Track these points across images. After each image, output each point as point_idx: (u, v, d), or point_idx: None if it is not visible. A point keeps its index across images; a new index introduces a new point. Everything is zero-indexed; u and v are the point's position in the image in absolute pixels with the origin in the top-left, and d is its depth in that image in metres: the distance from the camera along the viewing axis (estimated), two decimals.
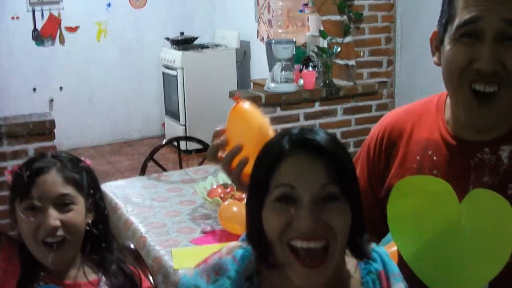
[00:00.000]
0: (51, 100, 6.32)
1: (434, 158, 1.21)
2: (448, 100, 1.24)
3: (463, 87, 1.12)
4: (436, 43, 1.20)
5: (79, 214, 1.40)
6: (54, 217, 1.36)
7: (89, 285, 1.43)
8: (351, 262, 1.07)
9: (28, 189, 1.36)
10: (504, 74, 1.08)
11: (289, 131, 1.01)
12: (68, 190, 1.39)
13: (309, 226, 0.94)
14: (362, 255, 1.04)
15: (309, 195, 0.95)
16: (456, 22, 1.11)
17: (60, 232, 1.36)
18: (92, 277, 1.44)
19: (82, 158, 1.50)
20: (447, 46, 1.14)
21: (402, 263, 1.16)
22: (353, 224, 0.98)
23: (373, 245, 1.09)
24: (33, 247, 1.38)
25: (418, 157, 1.23)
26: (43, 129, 3.37)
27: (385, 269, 1.07)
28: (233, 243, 1.11)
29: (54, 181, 1.38)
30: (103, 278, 1.46)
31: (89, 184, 1.44)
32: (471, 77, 1.10)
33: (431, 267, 1.16)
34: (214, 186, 2.59)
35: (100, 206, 1.47)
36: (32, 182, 1.36)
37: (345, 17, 3.99)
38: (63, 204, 1.38)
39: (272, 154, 0.99)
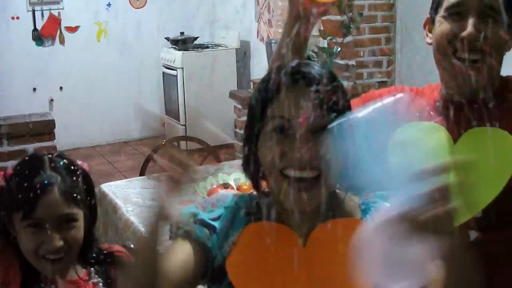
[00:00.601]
0: (51, 100, 6.32)
1: (431, 113, 1.39)
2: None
3: (450, 55, 1.32)
4: (429, 26, 1.43)
5: (80, 229, 1.40)
6: (58, 238, 1.35)
7: (83, 280, 1.44)
8: (352, 202, 1.09)
9: (31, 207, 1.34)
10: (485, 44, 1.29)
11: (286, 65, 1.04)
12: (71, 209, 1.37)
13: (303, 157, 0.97)
14: (354, 186, 1.06)
15: (303, 128, 0.98)
16: (445, 5, 1.34)
17: (62, 250, 1.36)
18: (82, 271, 1.45)
19: (79, 162, 1.47)
20: (437, 24, 1.36)
21: None
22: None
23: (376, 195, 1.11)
24: (33, 260, 1.37)
25: (417, 113, 1.37)
26: (43, 129, 3.37)
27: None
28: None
29: (57, 201, 1.35)
30: (92, 269, 1.46)
31: (86, 193, 1.43)
32: (457, 45, 1.31)
33: None
34: (214, 186, 2.59)
35: (93, 211, 1.46)
36: (35, 201, 1.33)
37: (345, 17, 3.99)
38: (66, 222, 1.37)
39: (269, 86, 1.03)
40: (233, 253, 1.04)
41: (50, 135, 3.42)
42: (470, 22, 1.29)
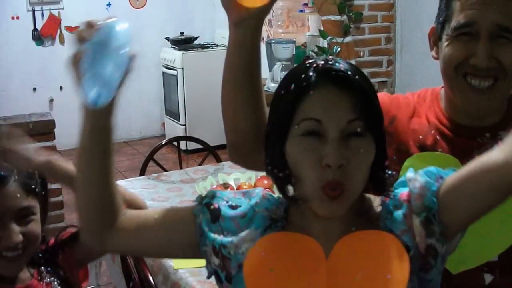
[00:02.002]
0: (51, 100, 6.32)
1: (438, 137, 1.27)
2: (442, 91, 1.32)
3: (458, 78, 1.21)
4: (434, 39, 1.29)
5: (38, 222, 1.35)
6: (16, 232, 1.29)
7: (37, 282, 1.38)
8: (377, 200, 1.04)
9: None
10: (499, 68, 1.18)
11: (314, 61, 0.97)
12: (29, 201, 1.32)
13: (336, 161, 0.91)
14: (383, 188, 1.01)
15: (336, 131, 0.92)
16: (453, 23, 1.20)
17: (21, 245, 1.31)
18: (28, 274, 1.39)
19: None
20: (445, 43, 1.23)
21: None
22: (376, 159, 0.97)
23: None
24: None
25: (421, 136, 1.29)
26: (43, 129, 3.37)
27: (410, 189, 1.01)
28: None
29: (14, 194, 1.30)
30: (42, 268, 1.40)
31: (41, 186, 1.38)
32: (465, 70, 1.20)
33: None
34: (214, 186, 2.59)
35: (46, 205, 1.41)
36: None
37: (345, 17, 3.99)
38: (24, 216, 1.31)
39: (297, 86, 0.95)
40: (250, 261, 0.98)
41: (50, 135, 3.42)
42: (482, 46, 1.17)
